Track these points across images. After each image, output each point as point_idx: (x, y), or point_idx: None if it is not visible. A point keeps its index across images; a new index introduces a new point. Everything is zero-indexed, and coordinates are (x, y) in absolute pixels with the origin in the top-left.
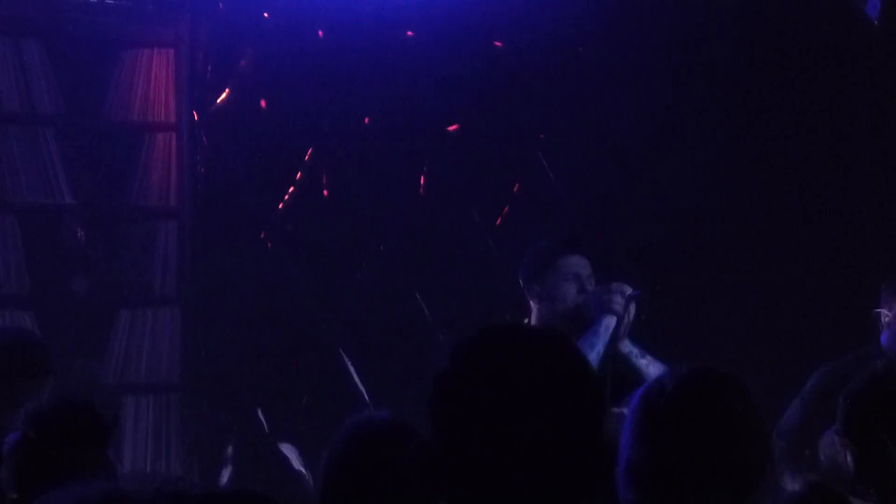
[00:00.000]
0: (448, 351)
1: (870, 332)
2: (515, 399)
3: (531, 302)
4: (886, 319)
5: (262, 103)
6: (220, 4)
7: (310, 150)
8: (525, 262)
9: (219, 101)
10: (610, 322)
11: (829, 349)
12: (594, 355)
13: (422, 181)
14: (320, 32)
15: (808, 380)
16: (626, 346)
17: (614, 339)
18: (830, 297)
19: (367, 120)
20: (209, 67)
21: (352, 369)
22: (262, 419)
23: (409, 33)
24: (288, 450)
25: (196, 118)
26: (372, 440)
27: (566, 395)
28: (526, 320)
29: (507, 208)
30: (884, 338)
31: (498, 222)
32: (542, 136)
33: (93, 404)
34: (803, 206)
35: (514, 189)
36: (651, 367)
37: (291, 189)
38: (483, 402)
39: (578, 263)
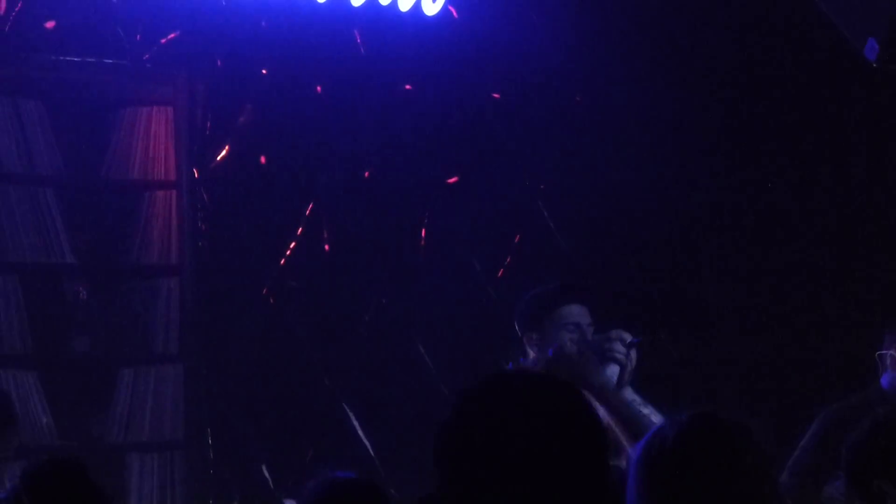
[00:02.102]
0: (452, 398)
1: (873, 374)
2: (520, 446)
3: (529, 350)
4: (891, 361)
5: (262, 159)
6: (218, 61)
7: (310, 205)
8: (522, 310)
9: (219, 157)
10: (613, 371)
11: (834, 391)
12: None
13: (423, 233)
14: (319, 88)
15: (812, 423)
16: (629, 395)
17: (618, 387)
18: (834, 338)
19: (367, 174)
20: (208, 124)
21: (355, 423)
22: (267, 475)
23: (408, 87)
24: None
25: (196, 175)
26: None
27: (571, 440)
28: None
29: (508, 259)
30: (885, 380)
31: (500, 273)
32: (542, 186)
33: (88, 472)
34: (809, 248)
35: (516, 240)
36: (654, 418)
37: (293, 244)
38: (487, 450)
39: (578, 312)
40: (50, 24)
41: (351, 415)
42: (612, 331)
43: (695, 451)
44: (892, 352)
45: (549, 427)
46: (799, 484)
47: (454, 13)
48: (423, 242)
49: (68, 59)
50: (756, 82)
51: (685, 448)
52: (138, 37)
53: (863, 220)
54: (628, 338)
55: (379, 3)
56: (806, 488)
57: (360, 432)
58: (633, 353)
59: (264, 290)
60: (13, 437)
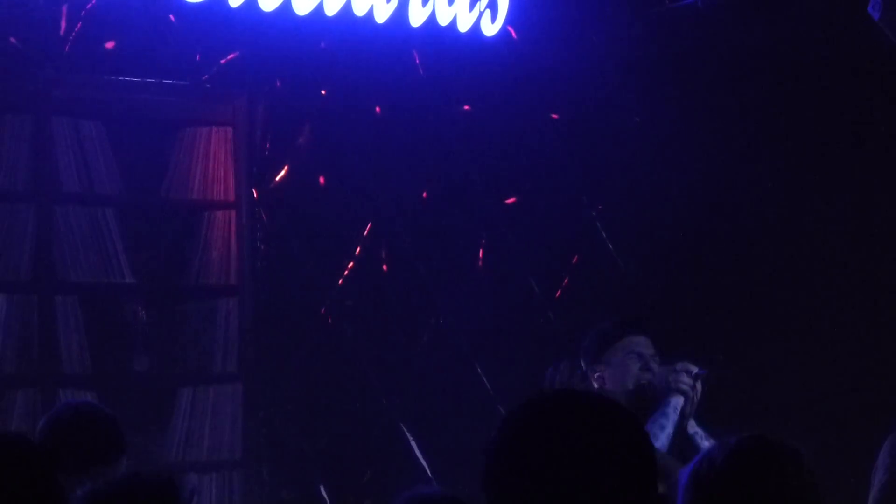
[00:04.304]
0: (497, 422)
1: None
2: (567, 469)
3: (594, 383)
4: None
5: (321, 180)
6: (278, 82)
7: (368, 225)
8: (587, 344)
9: (277, 178)
10: (678, 402)
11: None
12: (665, 437)
13: (480, 254)
14: (377, 108)
15: (883, 448)
16: (692, 427)
17: (682, 418)
18: None
19: (424, 194)
20: (267, 145)
21: (413, 443)
22: (325, 495)
23: (466, 108)
24: None
25: (255, 195)
26: None
27: (620, 463)
28: None
29: (566, 280)
30: None
31: (557, 294)
32: (600, 206)
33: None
34: (872, 267)
35: (573, 260)
36: None
37: (351, 264)
38: (534, 474)
39: (641, 343)
40: (110, 45)
41: (408, 435)
42: (678, 363)
43: (743, 474)
44: None
45: (598, 450)
46: None
47: (513, 34)
48: (480, 263)
49: (128, 79)
50: (821, 104)
51: (733, 470)
52: (198, 57)
53: None
54: (694, 369)
55: (438, 24)
56: None
57: (418, 452)
58: (699, 385)
59: (322, 310)
60: (120, 468)
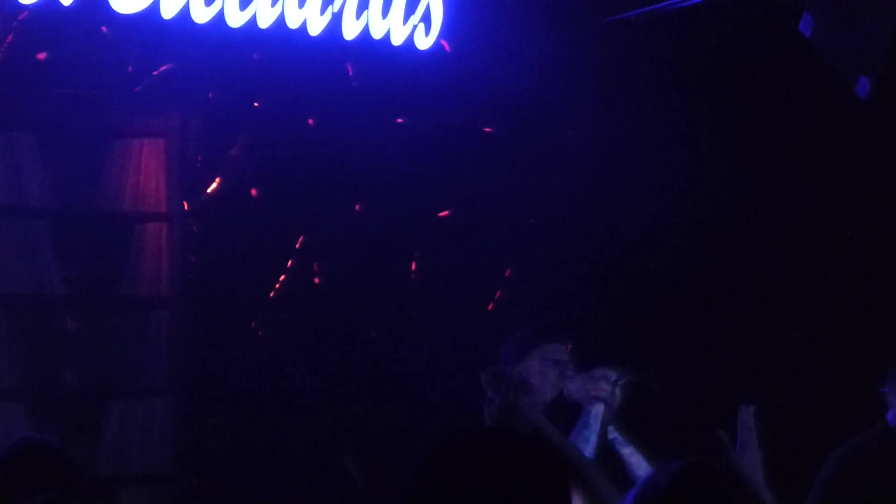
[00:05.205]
0: (417, 461)
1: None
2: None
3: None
4: (891, 399)
5: (253, 192)
6: (210, 94)
7: (301, 238)
8: (503, 353)
9: (209, 190)
10: (598, 411)
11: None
12: (590, 448)
13: (413, 267)
14: (310, 121)
15: (822, 469)
16: (612, 433)
17: (604, 426)
18: (836, 377)
19: (357, 207)
20: (199, 157)
21: (345, 456)
22: None
23: (399, 120)
24: None
25: (186, 207)
26: None
27: (533, 495)
28: None
29: (498, 293)
30: (890, 416)
31: (490, 307)
32: (532, 220)
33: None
34: (796, 267)
35: (506, 273)
36: (633, 458)
37: (283, 277)
38: None
39: (557, 350)
40: (41, 56)
41: (340, 448)
42: (596, 369)
43: (686, 499)
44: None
45: (515, 488)
46: None
47: (446, 47)
48: (413, 275)
49: (60, 90)
50: (753, 116)
51: (676, 495)
52: (130, 69)
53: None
54: (613, 376)
55: (372, 37)
56: None
57: (350, 466)
58: (618, 392)
59: (253, 324)
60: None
